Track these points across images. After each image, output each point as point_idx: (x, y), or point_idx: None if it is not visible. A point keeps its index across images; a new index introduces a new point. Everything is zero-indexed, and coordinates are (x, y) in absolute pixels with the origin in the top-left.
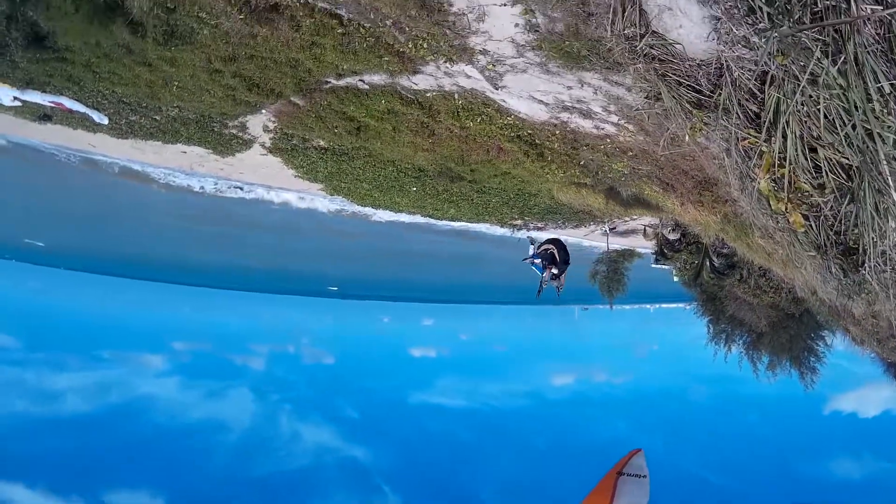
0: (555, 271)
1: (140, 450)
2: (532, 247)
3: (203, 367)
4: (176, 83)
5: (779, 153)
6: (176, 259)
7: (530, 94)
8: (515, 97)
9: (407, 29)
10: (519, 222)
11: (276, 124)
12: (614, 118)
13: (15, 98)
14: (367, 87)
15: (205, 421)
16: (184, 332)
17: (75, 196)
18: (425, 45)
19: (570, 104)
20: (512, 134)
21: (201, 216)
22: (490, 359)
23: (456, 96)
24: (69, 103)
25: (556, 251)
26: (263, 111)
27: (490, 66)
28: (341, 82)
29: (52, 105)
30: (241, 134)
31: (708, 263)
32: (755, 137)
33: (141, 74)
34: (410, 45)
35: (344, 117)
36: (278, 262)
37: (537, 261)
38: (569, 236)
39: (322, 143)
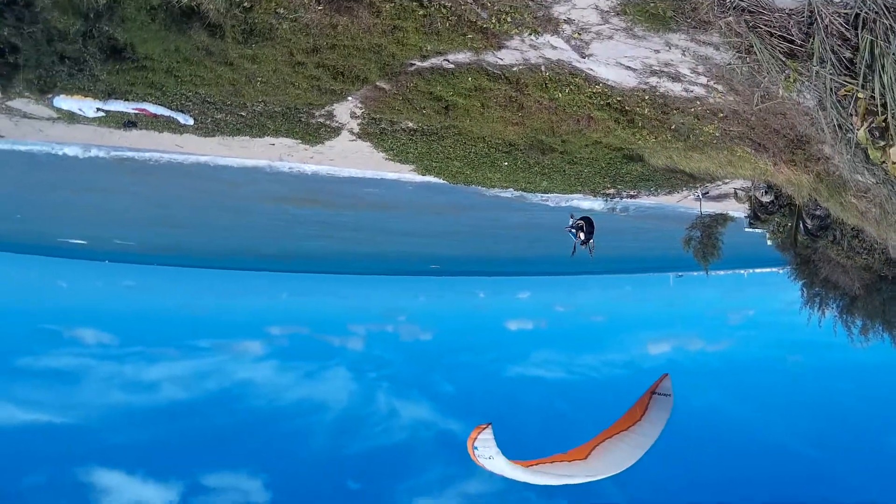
0: (582, 237)
1: (238, 433)
2: (571, 220)
3: (300, 349)
4: (259, 79)
5: (878, 98)
6: (271, 247)
7: (617, 61)
8: (603, 65)
9: (489, 4)
10: (612, 191)
11: (363, 110)
12: (703, 79)
13: (98, 109)
14: (452, 66)
15: (302, 402)
16: (281, 318)
17: (164, 195)
18: (509, 19)
19: (657, 68)
20: (601, 102)
21: (292, 200)
22: (587, 329)
23: (542, 68)
24: (153, 108)
25: (584, 225)
26: (350, 98)
27: (576, 35)
28: (426, 63)
29: (136, 112)
30: (328, 122)
31: (801, 226)
32: (851, 84)
33: (223, 74)
34: (494, 21)
35: (431, 97)
36: (373, 242)
37: (573, 230)
38: (662, 202)
39: (410, 124)
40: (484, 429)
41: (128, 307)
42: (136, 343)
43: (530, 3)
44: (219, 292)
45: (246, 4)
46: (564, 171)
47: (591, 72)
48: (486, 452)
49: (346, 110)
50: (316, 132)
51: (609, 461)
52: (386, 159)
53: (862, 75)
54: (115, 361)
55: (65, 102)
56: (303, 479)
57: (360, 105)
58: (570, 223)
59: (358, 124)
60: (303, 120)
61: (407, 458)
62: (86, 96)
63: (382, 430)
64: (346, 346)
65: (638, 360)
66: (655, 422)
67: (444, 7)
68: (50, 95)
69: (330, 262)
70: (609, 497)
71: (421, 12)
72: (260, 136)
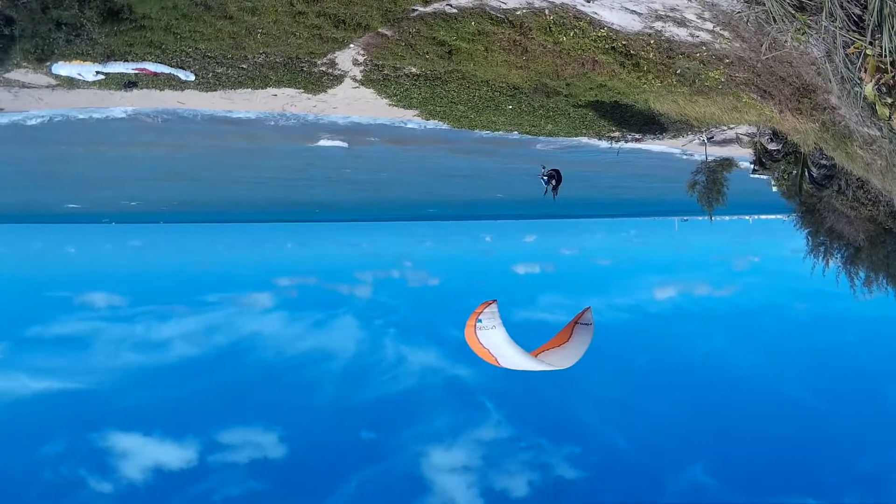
0: (553, 184)
1: (250, 387)
2: (542, 170)
3: (308, 299)
4: (260, 31)
5: (886, 57)
6: (272, 198)
7: (622, 5)
8: (607, 9)
9: None
10: (617, 134)
11: (365, 57)
12: (709, 25)
13: (98, 72)
14: (455, 10)
15: (311, 352)
16: (288, 269)
17: (164, 152)
18: None
19: (663, 13)
20: (606, 46)
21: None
22: (593, 273)
23: (546, 12)
24: (153, 67)
25: (555, 174)
26: (351, 46)
27: None
28: (429, 8)
29: (137, 72)
30: (330, 70)
31: (807, 174)
32: (860, 40)
33: (223, 28)
34: None
35: (434, 42)
36: (378, 189)
37: (544, 178)
38: (668, 147)
39: (414, 70)
40: (491, 303)
41: (136, 267)
42: (146, 302)
43: None
44: (226, 246)
45: None
46: (569, 114)
47: (595, 15)
48: (490, 323)
49: (348, 58)
50: (318, 81)
51: (548, 363)
52: (390, 105)
53: (870, 32)
54: (125, 323)
55: (64, 69)
56: (316, 431)
57: (362, 52)
58: (542, 172)
59: (360, 71)
60: (305, 69)
61: (417, 405)
62: (84, 61)
63: (391, 377)
64: (354, 293)
65: (644, 304)
66: (580, 345)
67: None
68: (48, 63)
69: (336, 210)
70: (618, 444)
71: None
72: (262, 88)
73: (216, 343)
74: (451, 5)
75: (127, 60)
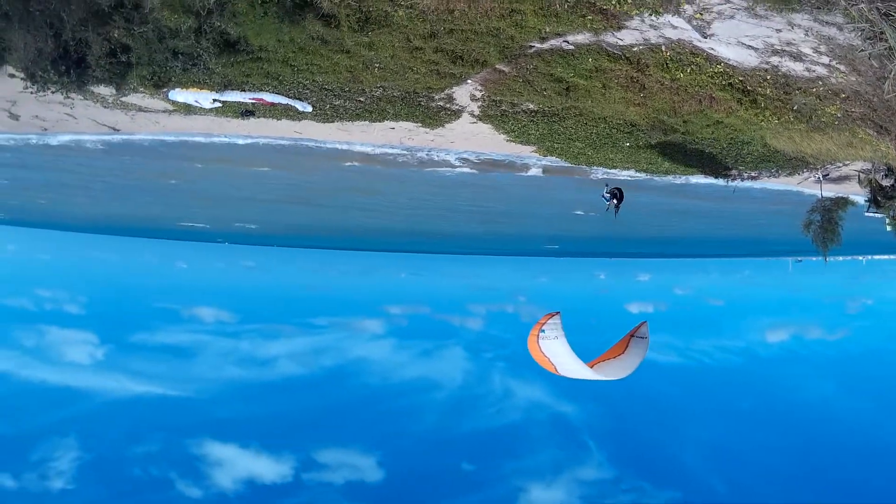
0: (615, 202)
1: (352, 409)
2: (606, 188)
3: (419, 328)
4: (377, 65)
5: None
6: (389, 227)
7: (739, 40)
8: (724, 44)
9: None
10: (733, 172)
11: (483, 92)
12: (825, 59)
13: (215, 100)
14: (572, 47)
15: (417, 381)
16: (401, 297)
17: (281, 180)
18: (629, 0)
19: (779, 47)
20: (723, 82)
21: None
22: (706, 313)
23: (663, 48)
24: (270, 97)
25: (617, 192)
26: (469, 81)
27: (697, 15)
28: (545, 45)
29: (254, 101)
30: (448, 105)
31: None
32: None
33: (340, 62)
34: (614, 2)
35: (552, 79)
36: (495, 223)
37: (607, 196)
38: (783, 185)
39: (531, 106)
40: (554, 315)
41: (247, 287)
42: (255, 321)
43: None
44: (340, 272)
45: None
46: (686, 151)
47: (712, 51)
48: (552, 334)
49: (465, 93)
50: (436, 115)
51: (603, 374)
52: (507, 141)
53: None
54: (232, 338)
55: (180, 95)
56: (416, 458)
57: (479, 88)
58: (605, 190)
59: (478, 107)
60: (422, 104)
61: (520, 440)
62: (201, 89)
63: (496, 410)
64: (465, 325)
65: (754, 346)
66: (635, 357)
67: None
68: (165, 90)
69: (453, 241)
70: (718, 490)
71: None
72: (380, 121)
73: (322, 364)
74: (567, 42)
75: (244, 90)
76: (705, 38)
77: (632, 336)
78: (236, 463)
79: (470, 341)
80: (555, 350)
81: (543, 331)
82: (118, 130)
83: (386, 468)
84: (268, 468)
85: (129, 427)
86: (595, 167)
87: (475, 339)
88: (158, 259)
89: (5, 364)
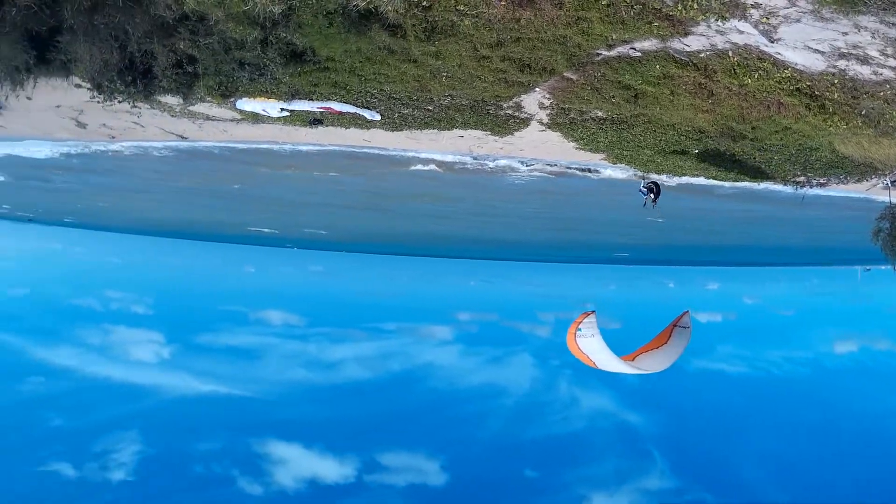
0: (652, 196)
1: (418, 414)
2: (642, 182)
3: (487, 335)
4: (445, 74)
5: None
6: (459, 234)
7: (805, 44)
8: (790, 48)
9: None
10: (802, 179)
11: (551, 100)
12: (892, 62)
13: (282, 109)
14: (639, 54)
15: (483, 387)
16: (470, 304)
17: (351, 185)
18: (695, 5)
19: (846, 51)
20: (791, 87)
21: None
22: (775, 323)
23: (730, 54)
24: (338, 106)
25: (654, 187)
26: (537, 89)
27: (763, 19)
28: (612, 52)
29: (322, 110)
30: (517, 113)
31: None
32: None
33: (407, 71)
34: (679, 7)
35: (620, 86)
36: (566, 229)
37: (644, 190)
38: (851, 192)
39: (600, 113)
40: (590, 314)
41: (315, 291)
42: (323, 324)
43: None
44: (409, 277)
45: (425, 3)
46: (754, 158)
47: (779, 56)
48: (589, 332)
49: (534, 101)
50: (505, 123)
51: (643, 367)
52: (576, 149)
53: None
54: (299, 341)
55: (248, 104)
56: (479, 464)
57: (548, 96)
58: (643, 184)
59: (547, 115)
60: (491, 112)
61: (584, 448)
62: (269, 98)
63: (561, 418)
64: (533, 332)
65: (822, 357)
66: (677, 348)
67: None
68: (232, 99)
69: (524, 249)
70: None
71: (604, 1)
72: (448, 129)
73: (389, 369)
74: (634, 49)
75: (312, 99)
76: (772, 42)
77: (674, 326)
78: (299, 462)
79: (538, 348)
80: (592, 347)
81: (580, 329)
82: (185, 138)
83: (449, 472)
84: (330, 469)
85: (193, 424)
86: (665, 174)
87: (543, 346)
88: (226, 263)
89: (71, 360)
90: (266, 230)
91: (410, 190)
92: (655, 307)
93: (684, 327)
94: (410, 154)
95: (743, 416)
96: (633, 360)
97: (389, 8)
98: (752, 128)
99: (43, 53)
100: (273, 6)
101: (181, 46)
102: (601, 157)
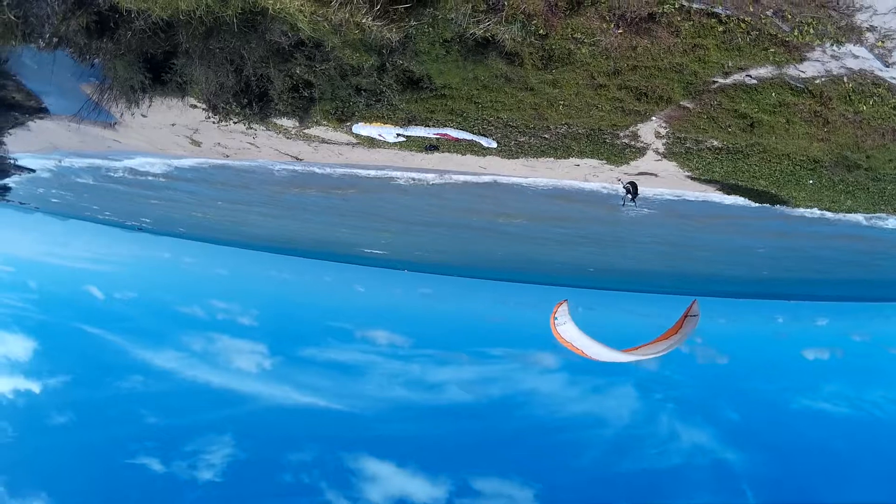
0: (629, 196)
1: (515, 441)
2: (620, 183)
3: (592, 365)
4: (561, 102)
5: None
6: (569, 262)
7: None
8: None
9: (789, 17)
10: None
11: (667, 129)
12: None
13: (399, 134)
14: (754, 81)
15: (583, 416)
16: None
17: (468, 211)
18: (811, 31)
19: None
20: None
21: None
22: (883, 363)
23: (845, 79)
24: (455, 133)
25: (630, 188)
26: (653, 118)
27: (879, 43)
28: (728, 80)
29: (438, 136)
30: (633, 142)
31: None
32: None
33: (524, 99)
34: (796, 33)
35: (735, 115)
36: (677, 260)
37: (623, 190)
38: None
39: (716, 143)
40: (562, 304)
41: (423, 313)
42: (428, 346)
43: (832, 13)
44: (517, 303)
45: (542, 32)
46: (868, 188)
47: (893, 81)
48: (563, 319)
49: (650, 130)
50: (621, 152)
51: (640, 353)
52: (690, 178)
53: None
54: (403, 361)
55: (364, 129)
56: (573, 493)
57: (664, 125)
58: (622, 184)
59: (663, 144)
60: (607, 141)
61: (678, 483)
62: (385, 123)
63: (659, 452)
64: (639, 364)
65: None
66: (682, 336)
67: (744, 22)
68: (348, 123)
69: (633, 279)
70: None
71: (720, 28)
72: (565, 158)
73: (490, 393)
74: (750, 76)
75: (428, 125)
76: (887, 66)
77: (686, 316)
78: (391, 480)
79: (642, 380)
80: (570, 335)
81: (556, 318)
82: (300, 160)
83: (542, 501)
84: (422, 489)
85: (288, 434)
86: (778, 206)
87: (647, 377)
88: (337, 281)
89: (172, 363)
90: (377, 252)
91: (525, 214)
92: (763, 341)
93: (694, 315)
94: (526, 182)
95: (841, 459)
96: (635, 350)
97: (507, 36)
98: (867, 157)
99: (159, 75)
100: (390, 34)
101: (297, 71)
102: (716, 188)
